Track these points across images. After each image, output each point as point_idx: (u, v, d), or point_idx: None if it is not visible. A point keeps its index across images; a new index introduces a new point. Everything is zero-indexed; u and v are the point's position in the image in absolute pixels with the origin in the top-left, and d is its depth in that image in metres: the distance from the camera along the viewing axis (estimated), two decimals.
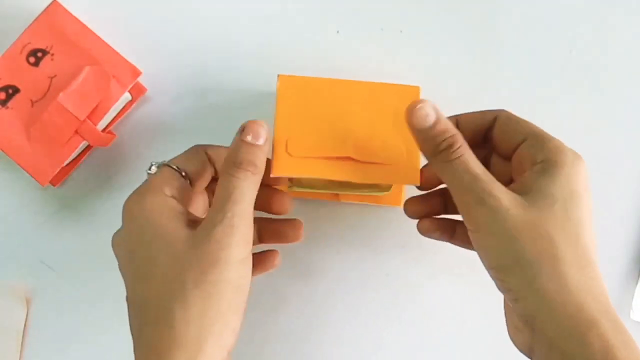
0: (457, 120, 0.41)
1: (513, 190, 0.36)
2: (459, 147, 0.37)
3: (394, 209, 0.46)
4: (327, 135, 0.41)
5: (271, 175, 0.40)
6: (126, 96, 0.47)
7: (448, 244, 0.42)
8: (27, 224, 0.48)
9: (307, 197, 0.47)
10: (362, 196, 0.46)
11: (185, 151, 0.41)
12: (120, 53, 0.45)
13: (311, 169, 0.40)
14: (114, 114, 0.47)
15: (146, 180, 0.39)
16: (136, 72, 0.45)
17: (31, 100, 0.45)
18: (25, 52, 0.45)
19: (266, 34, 0.48)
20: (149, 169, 0.40)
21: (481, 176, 0.36)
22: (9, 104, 0.45)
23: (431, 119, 0.37)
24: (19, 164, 0.44)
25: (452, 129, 0.37)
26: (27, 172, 0.44)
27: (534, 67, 0.49)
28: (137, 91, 0.47)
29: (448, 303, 0.47)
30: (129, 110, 0.47)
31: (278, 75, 0.41)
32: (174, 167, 0.39)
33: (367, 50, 0.48)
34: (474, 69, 0.49)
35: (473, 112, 0.42)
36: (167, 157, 0.48)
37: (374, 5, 0.49)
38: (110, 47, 0.45)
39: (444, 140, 0.37)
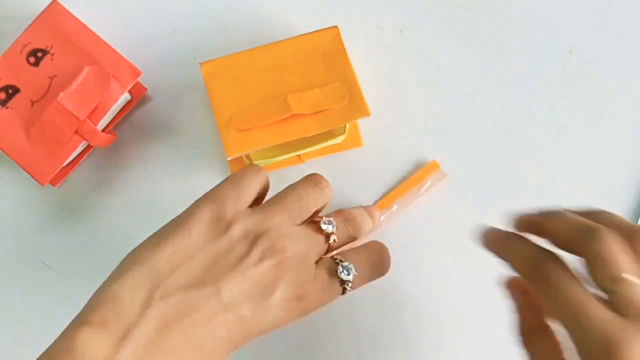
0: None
1: None
2: None
3: (357, 151, 0.48)
4: (266, 102, 0.41)
5: (227, 158, 0.41)
6: (126, 96, 0.47)
7: None
8: (27, 224, 0.48)
9: (270, 169, 0.47)
10: (323, 149, 0.47)
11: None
12: (120, 53, 0.45)
13: (263, 140, 0.41)
14: (114, 114, 0.47)
15: None
16: (136, 72, 0.45)
17: (31, 100, 0.45)
18: (25, 52, 0.45)
19: (267, 33, 0.48)
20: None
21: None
22: (9, 104, 0.45)
23: None
24: (19, 164, 0.44)
25: None
26: (27, 172, 0.44)
27: (534, 67, 0.49)
28: (137, 91, 0.47)
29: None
30: (129, 110, 0.47)
31: (200, 64, 0.42)
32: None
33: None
34: (473, 69, 0.49)
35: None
36: (167, 157, 0.48)
37: (374, 5, 0.49)
38: (110, 47, 0.45)
39: None
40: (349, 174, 0.48)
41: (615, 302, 0.29)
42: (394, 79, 0.48)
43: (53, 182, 0.47)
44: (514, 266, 0.33)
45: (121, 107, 0.47)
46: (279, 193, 0.38)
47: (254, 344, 0.36)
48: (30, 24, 0.45)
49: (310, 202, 0.38)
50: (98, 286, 0.46)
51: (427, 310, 0.47)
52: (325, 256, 0.39)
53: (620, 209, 0.48)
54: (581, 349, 0.29)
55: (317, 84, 0.42)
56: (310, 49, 0.42)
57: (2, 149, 0.44)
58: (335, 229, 0.39)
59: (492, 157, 0.48)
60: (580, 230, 0.31)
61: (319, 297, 0.37)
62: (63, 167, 0.45)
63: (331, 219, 0.39)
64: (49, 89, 0.45)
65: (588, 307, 0.29)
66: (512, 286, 0.37)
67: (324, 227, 0.38)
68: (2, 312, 0.47)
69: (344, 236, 0.40)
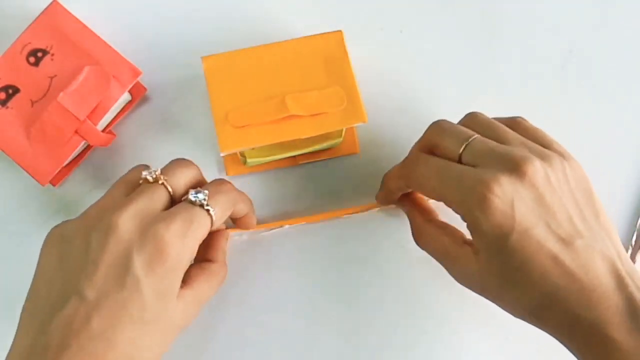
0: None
1: None
2: None
3: (353, 157, 0.48)
4: (265, 101, 0.41)
5: (221, 153, 0.41)
6: (126, 96, 0.47)
7: None
8: (27, 224, 0.48)
9: (264, 169, 0.47)
10: (318, 153, 0.47)
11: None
12: (120, 53, 0.45)
13: (259, 138, 0.41)
14: (114, 114, 0.47)
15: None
16: (136, 72, 0.45)
17: (31, 100, 0.45)
18: (25, 52, 0.45)
19: (267, 33, 0.48)
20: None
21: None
22: (9, 104, 0.45)
23: None
24: (19, 164, 0.44)
25: None
26: (27, 172, 0.44)
27: (534, 67, 0.49)
28: (137, 91, 0.47)
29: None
30: (129, 110, 0.47)
31: (202, 58, 0.42)
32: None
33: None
34: (473, 69, 0.49)
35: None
36: (166, 157, 0.48)
37: (374, 5, 0.49)
38: (110, 47, 0.45)
39: None
40: (342, 179, 0.48)
41: (465, 162, 0.38)
42: (393, 79, 0.48)
43: (53, 182, 0.47)
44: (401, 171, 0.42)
45: (121, 107, 0.47)
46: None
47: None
48: (30, 24, 0.45)
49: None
50: None
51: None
52: None
53: (620, 208, 0.48)
54: (459, 202, 0.37)
55: (317, 86, 0.42)
56: (313, 51, 0.42)
57: (2, 149, 0.44)
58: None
59: None
60: (432, 130, 0.41)
61: (180, 238, 0.36)
62: (63, 167, 0.45)
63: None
64: (49, 89, 0.45)
65: (451, 168, 0.38)
66: (402, 199, 0.45)
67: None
68: (2, 312, 0.47)
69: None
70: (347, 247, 0.47)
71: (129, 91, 0.46)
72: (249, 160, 0.45)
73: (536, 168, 0.37)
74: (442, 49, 0.49)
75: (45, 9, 0.45)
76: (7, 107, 0.45)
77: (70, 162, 0.46)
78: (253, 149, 0.44)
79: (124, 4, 0.49)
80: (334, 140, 0.45)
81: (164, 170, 0.39)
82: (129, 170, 0.40)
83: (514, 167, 0.36)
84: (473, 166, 0.38)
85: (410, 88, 0.48)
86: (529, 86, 0.49)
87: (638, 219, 0.48)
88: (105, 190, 0.47)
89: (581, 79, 0.49)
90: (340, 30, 0.43)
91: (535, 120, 0.48)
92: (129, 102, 0.47)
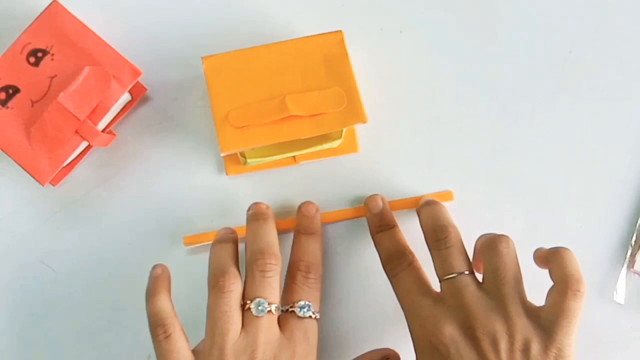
0: None
1: None
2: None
3: (352, 157, 0.48)
4: (265, 101, 0.41)
5: (221, 154, 0.41)
6: (126, 96, 0.47)
7: None
8: (27, 224, 0.48)
9: (264, 169, 0.47)
10: (318, 152, 0.46)
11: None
12: (121, 53, 0.45)
13: (259, 138, 0.41)
14: (114, 114, 0.47)
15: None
16: (136, 72, 0.45)
17: (31, 100, 0.45)
18: (25, 52, 0.45)
19: (267, 33, 0.48)
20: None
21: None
22: (9, 104, 0.45)
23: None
24: (19, 164, 0.44)
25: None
26: (27, 172, 0.44)
27: (534, 68, 0.49)
28: (137, 91, 0.47)
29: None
30: (129, 110, 0.47)
31: (202, 58, 0.42)
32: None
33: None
34: (473, 69, 0.49)
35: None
36: (166, 157, 0.48)
37: (374, 5, 0.49)
38: (110, 47, 0.45)
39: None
40: (342, 179, 0.48)
41: (443, 295, 0.41)
42: (393, 80, 0.48)
43: (53, 182, 0.47)
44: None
45: (121, 107, 0.47)
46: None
47: None
48: (30, 24, 0.45)
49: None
50: (98, 286, 0.46)
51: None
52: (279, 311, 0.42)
53: (620, 208, 0.48)
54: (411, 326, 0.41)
55: (317, 86, 0.42)
56: (313, 52, 0.42)
57: (2, 149, 0.44)
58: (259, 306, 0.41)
59: (492, 158, 0.48)
60: (432, 233, 0.42)
61: (306, 352, 0.41)
62: (63, 167, 0.45)
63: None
64: (49, 89, 0.45)
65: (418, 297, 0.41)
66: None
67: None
68: (2, 312, 0.47)
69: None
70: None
71: (129, 91, 0.46)
72: (249, 160, 0.45)
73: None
74: (442, 49, 0.49)
75: (46, 9, 0.45)
76: (7, 107, 0.45)
77: (70, 162, 0.46)
78: (253, 149, 0.44)
79: (124, 4, 0.49)
80: (334, 141, 0.45)
81: (251, 288, 0.41)
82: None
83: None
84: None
85: (410, 88, 0.48)
86: (529, 86, 0.49)
87: (638, 218, 0.48)
88: (105, 190, 0.48)
89: (581, 79, 0.49)
90: (340, 30, 0.43)
91: (535, 120, 0.48)
92: (129, 102, 0.47)
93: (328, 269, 0.47)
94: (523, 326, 0.38)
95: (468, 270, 0.40)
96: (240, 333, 0.40)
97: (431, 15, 0.49)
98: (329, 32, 0.43)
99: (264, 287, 0.41)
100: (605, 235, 0.48)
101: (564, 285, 0.38)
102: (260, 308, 0.40)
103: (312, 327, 0.42)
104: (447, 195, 0.47)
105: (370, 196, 0.46)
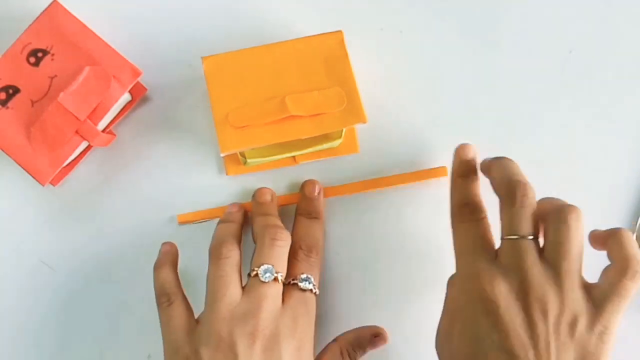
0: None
1: None
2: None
3: (353, 157, 0.48)
4: (265, 101, 0.41)
5: (221, 154, 0.41)
6: (126, 96, 0.47)
7: None
8: (27, 224, 0.48)
9: (264, 169, 0.47)
10: (318, 152, 0.47)
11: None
12: (121, 53, 0.45)
13: (259, 138, 0.41)
14: (114, 114, 0.47)
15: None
16: (136, 72, 0.45)
17: (31, 101, 0.45)
18: (25, 52, 0.45)
19: (267, 33, 0.48)
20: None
21: None
22: (9, 104, 0.45)
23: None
24: (19, 164, 0.44)
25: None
26: (27, 172, 0.44)
27: (534, 67, 0.49)
28: (137, 91, 0.47)
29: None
30: (129, 110, 0.47)
31: (202, 58, 0.42)
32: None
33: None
34: (473, 69, 0.49)
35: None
36: (166, 157, 0.48)
37: (374, 5, 0.49)
38: (110, 47, 0.45)
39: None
40: (342, 179, 0.48)
41: (501, 253, 0.40)
42: (393, 79, 0.48)
43: (53, 182, 0.47)
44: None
45: (121, 107, 0.47)
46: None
47: None
48: (31, 24, 0.45)
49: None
50: (98, 286, 0.46)
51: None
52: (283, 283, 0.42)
53: (620, 208, 0.48)
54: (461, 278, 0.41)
55: (317, 86, 0.42)
56: (313, 52, 0.42)
57: (2, 149, 0.44)
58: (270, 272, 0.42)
59: None
60: (507, 187, 0.41)
61: (306, 324, 0.41)
62: (63, 167, 0.45)
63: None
64: (49, 89, 0.45)
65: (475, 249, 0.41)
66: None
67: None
68: (2, 312, 0.47)
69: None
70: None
71: (129, 91, 0.46)
72: (249, 160, 0.45)
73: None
74: (442, 49, 0.49)
75: (46, 9, 0.45)
76: (8, 107, 0.45)
77: (70, 162, 0.46)
78: (253, 149, 0.44)
79: (124, 4, 0.49)
80: (334, 141, 0.45)
81: (260, 255, 0.42)
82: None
83: None
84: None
85: (410, 88, 0.49)
86: (529, 86, 0.49)
87: (638, 218, 0.48)
88: (105, 190, 0.48)
89: (581, 79, 0.49)
90: (340, 30, 0.43)
91: (535, 120, 0.49)
92: (129, 102, 0.47)
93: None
94: (575, 301, 0.38)
95: (533, 236, 0.40)
96: (242, 297, 0.41)
97: (431, 15, 0.49)
98: (329, 32, 0.43)
99: (273, 254, 0.42)
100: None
101: (624, 264, 0.38)
102: (267, 275, 0.41)
103: (312, 301, 0.43)
104: (441, 171, 0.47)
105: (463, 144, 0.45)
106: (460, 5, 0.49)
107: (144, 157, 0.48)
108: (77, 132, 0.44)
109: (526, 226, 0.40)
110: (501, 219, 0.41)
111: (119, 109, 0.47)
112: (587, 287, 0.39)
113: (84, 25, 0.45)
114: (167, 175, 0.48)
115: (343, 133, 0.45)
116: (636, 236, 0.48)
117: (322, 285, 0.46)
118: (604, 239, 0.40)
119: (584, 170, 0.48)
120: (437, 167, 0.47)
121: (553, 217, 0.40)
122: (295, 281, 0.42)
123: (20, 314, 0.47)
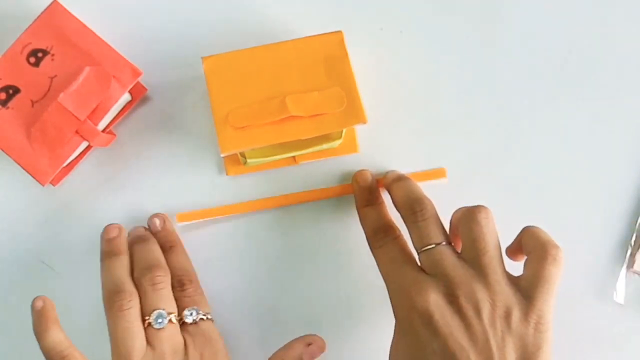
0: None
1: None
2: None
3: (353, 157, 0.48)
4: (265, 101, 0.41)
5: (221, 154, 0.41)
6: (126, 96, 0.47)
7: None
8: (27, 224, 0.48)
9: (264, 169, 0.48)
10: (318, 153, 0.47)
11: None
12: (121, 53, 0.45)
13: (259, 139, 0.41)
14: (114, 114, 0.47)
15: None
16: (136, 72, 0.45)
17: (31, 101, 0.45)
18: (25, 53, 0.45)
19: (267, 33, 0.48)
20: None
21: None
22: (10, 104, 0.45)
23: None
24: (19, 164, 0.44)
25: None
26: (27, 172, 0.44)
27: (534, 67, 0.49)
28: (137, 91, 0.47)
29: None
30: (129, 110, 0.47)
31: (202, 58, 0.42)
32: None
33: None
34: (473, 69, 0.49)
35: None
36: (166, 157, 0.48)
37: (374, 5, 0.49)
38: (110, 47, 0.45)
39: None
40: (342, 179, 0.48)
41: (422, 265, 0.41)
42: (393, 80, 0.49)
43: (53, 182, 0.47)
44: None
45: (121, 107, 0.47)
46: None
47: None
48: (31, 24, 0.45)
49: None
50: (98, 286, 0.46)
51: None
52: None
53: (620, 208, 0.48)
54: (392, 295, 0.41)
55: (317, 87, 0.42)
56: (313, 52, 0.42)
57: (2, 149, 0.44)
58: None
59: (492, 158, 0.48)
60: (406, 205, 0.43)
61: (213, 353, 0.42)
62: (63, 167, 0.45)
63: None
64: (49, 89, 0.45)
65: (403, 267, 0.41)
66: None
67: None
68: (2, 312, 0.47)
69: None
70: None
71: (129, 91, 0.46)
72: (249, 160, 0.45)
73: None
74: (442, 49, 0.49)
75: (46, 9, 0.45)
76: (8, 108, 0.45)
77: (71, 162, 0.46)
78: (253, 149, 0.44)
79: (124, 4, 0.49)
80: (334, 141, 0.45)
81: (146, 303, 0.42)
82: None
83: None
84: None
85: (410, 88, 0.49)
86: (529, 86, 0.49)
87: (638, 218, 0.48)
88: (105, 190, 0.48)
89: (581, 79, 0.49)
90: (340, 31, 0.43)
91: (535, 120, 0.49)
92: (129, 102, 0.47)
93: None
94: (504, 294, 0.39)
95: (445, 241, 0.41)
96: (147, 349, 0.41)
97: (431, 15, 0.49)
98: (329, 32, 0.43)
99: (158, 298, 0.42)
100: (605, 235, 0.48)
101: (542, 251, 0.39)
102: (159, 320, 0.41)
103: (209, 327, 0.43)
104: (440, 172, 0.47)
105: (359, 171, 0.47)
106: (460, 6, 0.49)
107: (144, 157, 0.48)
108: (77, 132, 0.44)
109: (435, 234, 0.41)
110: (411, 237, 0.42)
111: (119, 109, 0.47)
112: (512, 280, 0.40)
113: (84, 25, 0.45)
114: (167, 175, 0.48)
115: (343, 133, 0.45)
116: (636, 236, 0.48)
117: (315, 286, 0.46)
118: (517, 243, 0.42)
119: (583, 170, 0.48)
120: (436, 169, 0.47)
121: (464, 219, 0.41)
122: (184, 319, 0.43)
123: (21, 314, 0.47)
